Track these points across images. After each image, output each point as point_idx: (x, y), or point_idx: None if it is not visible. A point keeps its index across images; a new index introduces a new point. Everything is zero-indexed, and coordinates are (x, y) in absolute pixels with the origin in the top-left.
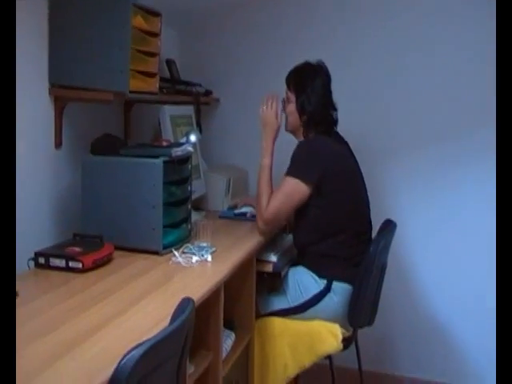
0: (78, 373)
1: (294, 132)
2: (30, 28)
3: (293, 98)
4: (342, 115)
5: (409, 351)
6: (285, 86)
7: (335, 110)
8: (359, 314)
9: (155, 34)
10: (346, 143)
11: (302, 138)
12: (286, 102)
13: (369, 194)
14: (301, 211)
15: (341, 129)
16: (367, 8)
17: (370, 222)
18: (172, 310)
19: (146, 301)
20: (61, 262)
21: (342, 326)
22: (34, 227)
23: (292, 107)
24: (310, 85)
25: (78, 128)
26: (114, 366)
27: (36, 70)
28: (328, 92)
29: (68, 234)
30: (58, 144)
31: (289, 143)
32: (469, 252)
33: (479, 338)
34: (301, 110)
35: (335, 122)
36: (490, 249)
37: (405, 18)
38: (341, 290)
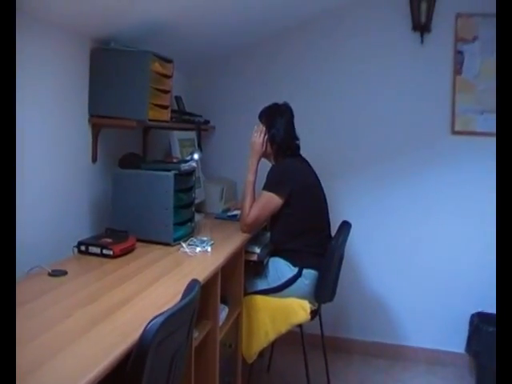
0: (114, 334)
1: (267, 157)
2: (75, 74)
3: (265, 131)
4: (310, 142)
5: (358, 320)
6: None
7: (298, 139)
8: (323, 293)
9: (168, 76)
10: (307, 163)
11: (273, 162)
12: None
13: (329, 200)
14: (276, 217)
15: (308, 151)
16: (333, 59)
17: (329, 222)
18: (182, 289)
19: (162, 281)
20: (97, 250)
21: (310, 302)
22: (77, 222)
23: (265, 138)
24: (278, 121)
25: (109, 147)
26: (141, 329)
27: (79, 104)
28: (291, 126)
29: (102, 228)
30: (95, 160)
31: (268, 165)
32: (404, 243)
33: (410, 307)
34: (271, 140)
35: (298, 148)
36: (420, 240)
37: (350, 64)
38: (309, 275)
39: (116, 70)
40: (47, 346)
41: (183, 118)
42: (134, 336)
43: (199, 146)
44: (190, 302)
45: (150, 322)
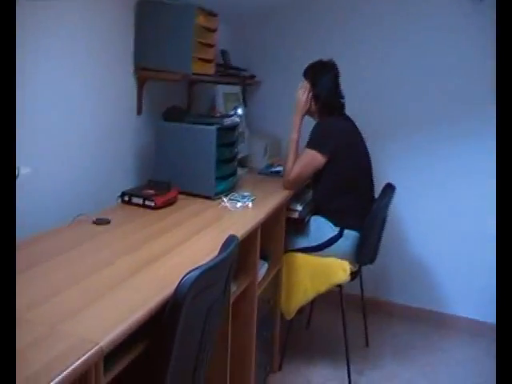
0: (152, 284)
1: (311, 115)
2: (121, 25)
3: (309, 88)
4: (355, 102)
5: (400, 284)
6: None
7: (343, 97)
8: (364, 254)
9: (213, 30)
10: (352, 122)
11: (318, 120)
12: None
13: (373, 162)
14: (318, 175)
15: (353, 112)
16: (380, 19)
17: (373, 183)
18: (221, 243)
19: (201, 234)
20: (139, 200)
21: (350, 262)
22: (121, 173)
23: (309, 95)
24: (323, 78)
25: (154, 100)
26: (177, 282)
27: (125, 56)
28: (337, 84)
29: (145, 179)
30: (139, 112)
31: (311, 122)
32: (448, 207)
33: (454, 274)
34: (316, 97)
35: (343, 106)
36: (467, 205)
37: (400, 24)
38: (350, 235)
39: (160, 22)
40: (89, 291)
41: (228, 72)
42: (171, 288)
43: (244, 100)
44: (227, 257)
45: (185, 276)
